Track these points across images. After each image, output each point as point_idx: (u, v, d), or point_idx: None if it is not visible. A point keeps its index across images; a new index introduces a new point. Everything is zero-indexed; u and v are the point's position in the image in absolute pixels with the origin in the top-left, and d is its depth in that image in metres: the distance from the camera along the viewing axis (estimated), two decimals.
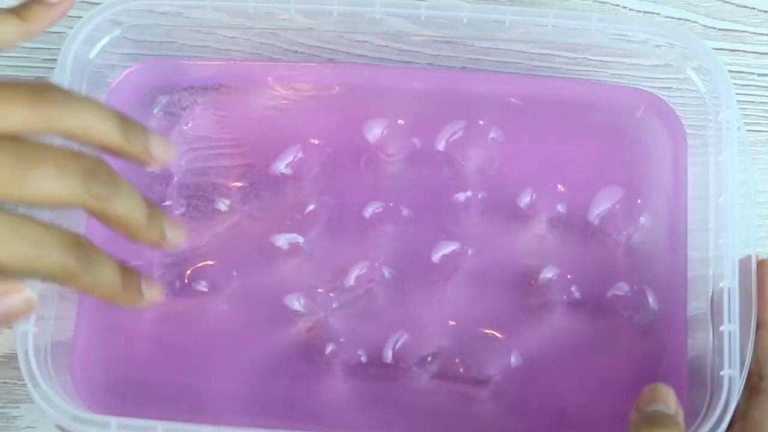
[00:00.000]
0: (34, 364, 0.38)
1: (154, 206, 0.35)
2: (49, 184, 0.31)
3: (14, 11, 0.37)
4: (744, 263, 0.40)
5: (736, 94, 0.44)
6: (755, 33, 0.48)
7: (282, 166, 0.45)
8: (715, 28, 0.48)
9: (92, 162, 0.33)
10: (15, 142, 0.31)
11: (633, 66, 0.46)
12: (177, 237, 0.36)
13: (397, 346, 0.42)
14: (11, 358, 0.42)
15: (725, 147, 0.41)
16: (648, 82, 0.46)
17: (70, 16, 0.42)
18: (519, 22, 0.43)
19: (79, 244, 0.32)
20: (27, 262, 0.31)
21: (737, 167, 0.41)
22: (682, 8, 0.48)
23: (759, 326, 0.39)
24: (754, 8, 0.49)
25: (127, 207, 0.34)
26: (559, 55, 0.47)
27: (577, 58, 0.46)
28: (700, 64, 0.42)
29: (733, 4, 0.49)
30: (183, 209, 0.44)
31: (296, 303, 0.43)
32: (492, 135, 0.45)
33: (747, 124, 0.46)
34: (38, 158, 0.31)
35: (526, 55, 0.47)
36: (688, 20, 0.48)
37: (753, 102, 0.47)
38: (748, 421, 0.37)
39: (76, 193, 0.32)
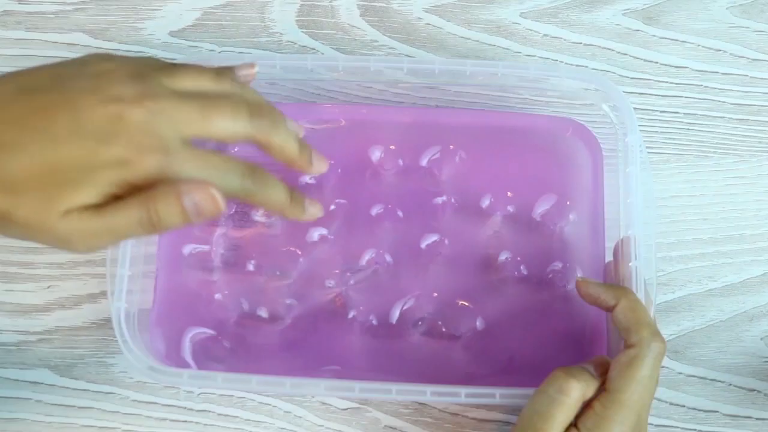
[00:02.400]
0: (124, 326, 0.44)
1: (294, 191, 0.41)
2: (226, 123, 0.37)
3: (214, 70, 0.40)
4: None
5: (644, 125, 0.52)
6: (658, 81, 0.54)
7: (307, 178, 0.49)
8: (628, 77, 0.54)
9: (256, 105, 0.39)
10: (200, 95, 0.37)
11: (565, 103, 0.51)
12: (317, 212, 0.42)
13: (405, 308, 0.47)
14: (108, 321, 0.46)
15: (630, 162, 0.46)
16: (576, 115, 0.51)
17: None
18: (477, 72, 0.47)
19: (254, 170, 0.38)
20: (217, 184, 0.36)
21: (640, 177, 0.45)
22: (604, 62, 0.54)
23: (611, 309, 0.42)
24: (657, 62, 0.54)
25: (283, 138, 0.40)
26: (510, 95, 0.52)
27: (523, 97, 0.52)
28: (614, 102, 0.47)
29: (641, 59, 0.54)
30: (231, 212, 0.48)
31: (328, 283, 0.48)
32: (460, 155, 0.50)
33: (652, 148, 0.52)
34: (217, 105, 0.37)
35: (485, 95, 0.52)
36: (609, 71, 0.54)
37: (656, 131, 0.53)
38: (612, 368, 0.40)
39: (246, 128, 0.38)
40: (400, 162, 0.50)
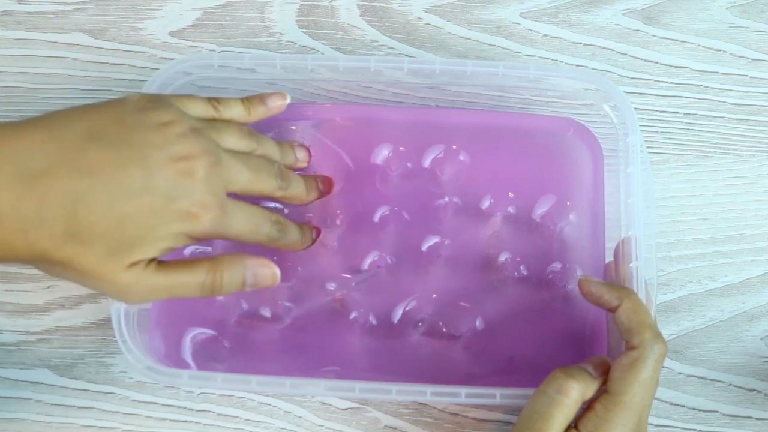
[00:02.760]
0: (123, 326, 0.44)
1: (305, 228, 0.47)
2: (266, 184, 0.43)
3: (243, 100, 0.45)
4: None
5: (644, 125, 0.52)
6: (658, 81, 0.54)
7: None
8: (628, 77, 0.54)
9: (279, 168, 0.44)
10: (245, 155, 0.42)
11: (566, 103, 0.51)
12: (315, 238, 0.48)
13: (406, 309, 0.47)
14: (108, 321, 0.47)
15: (631, 162, 0.46)
16: (576, 115, 0.51)
17: (150, 68, 0.52)
18: (477, 72, 0.47)
19: (279, 220, 0.44)
20: (252, 234, 0.42)
21: (640, 177, 0.45)
22: (604, 62, 0.54)
23: (613, 309, 0.42)
24: (657, 62, 0.54)
25: (295, 189, 0.45)
26: (510, 96, 0.52)
27: (524, 97, 0.52)
28: (614, 102, 0.47)
29: (641, 59, 0.54)
30: None
31: (330, 285, 0.48)
32: (461, 156, 0.50)
33: (652, 147, 0.52)
34: (260, 168, 0.42)
35: (485, 96, 0.53)
36: (609, 71, 0.54)
37: (656, 131, 0.53)
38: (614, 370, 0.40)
39: (274, 188, 0.43)
40: (403, 164, 0.50)
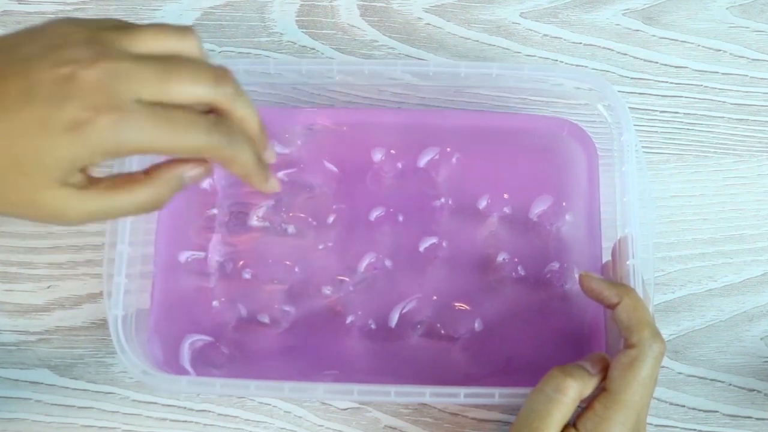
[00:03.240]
0: (120, 328, 0.43)
1: (261, 157, 0.38)
2: (187, 87, 0.35)
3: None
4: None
5: (644, 125, 0.52)
6: (657, 81, 0.54)
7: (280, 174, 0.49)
8: (628, 77, 0.54)
9: (221, 71, 0.36)
10: (161, 57, 0.35)
11: (560, 103, 0.51)
12: (276, 185, 0.40)
13: (404, 311, 0.48)
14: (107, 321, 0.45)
15: (626, 161, 0.46)
16: (571, 115, 0.51)
17: None
18: (471, 73, 0.47)
19: (221, 122, 0.36)
20: (179, 140, 0.34)
21: (636, 175, 0.45)
22: (604, 62, 0.54)
23: (613, 306, 0.42)
24: (656, 62, 0.54)
25: (247, 110, 0.37)
26: (504, 96, 0.52)
27: (519, 97, 0.52)
28: (609, 102, 0.47)
29: (641, 59, 0.54)
30: (226, 219, 0.48)
31: (326, 289, 0.48)
32: (456, 157, 0.50)
33: (652, 148, 0.53)
34: (178, 67, 0.35)
35: (480, 96, 0.52)
36: (608, 71, 0.54)
37: (656, 132, 0.53)
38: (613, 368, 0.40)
39: (209, 93, 0.35)
40: (398, 164, 0.51)
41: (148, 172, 0.37)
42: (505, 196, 0.50)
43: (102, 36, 0.35)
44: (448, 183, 0.50)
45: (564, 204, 0.50)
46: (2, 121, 0.33)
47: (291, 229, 0.49)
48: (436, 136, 0.51)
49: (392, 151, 0.50)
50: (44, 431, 0.49)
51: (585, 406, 0.41)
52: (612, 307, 0.42)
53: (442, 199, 0.50)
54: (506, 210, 0.50)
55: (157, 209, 0.37)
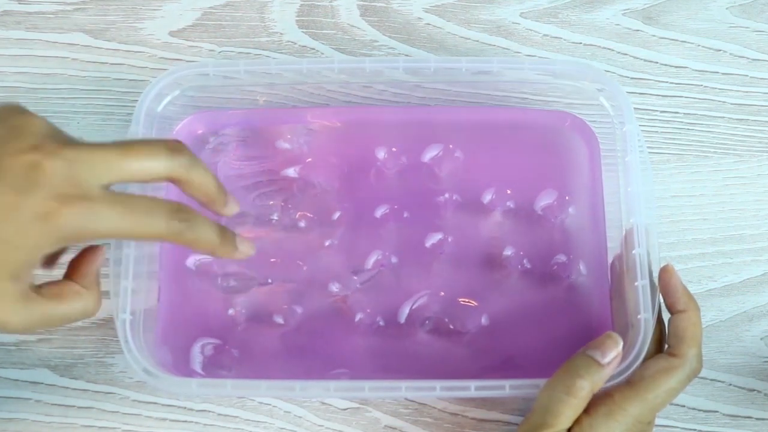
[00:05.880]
0: (128, 328, 0.43)
1: (224, 229, 0.40)
2: (144, 163, 0.36)
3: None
4: (629, 234, 0.44)
5: (644, 125, 0.52)
6: (658, 81, 0.54)
7: (292, 171, 0.50)
8: (628, 77, 0.54)
9: (174, 144, 0.37)
10: (117, 142, 0.36)
11: (561, 96, 0.51)
12: (248, 250, 0.41)
13: (413, 308, 0.48)
14: (108, 321, 0.48)
15: (629, 150, 0.46)
16: (574, 109, 0.51)
17: (150, 68, 0.52)
18: (472, 68, 0.48)
19: (180, 208, 0.37)
20: (141, 227, 0.35)
21: (639, 164, 0.46)
22: (604, 62, 0.54)
23: (676, 311, 0.42)
24: (656, 62, 0.55)
25: (202, 174, 0.38)
26: (505, 91, 0.52)
27: (520, 92, 0.52)
28: (610, 93, 0.48)
29: (641, 59, 0.55)
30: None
31: (334, 286, 0.48)
32: (459, 152, 0.50)
33: (652, 148, 0.52)
34: (134, 146, 0.36)
35: (482, 93, 0.53)
36: (609, 71, 0.54)
37: (657, 131, 0.53)
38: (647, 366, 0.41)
39: (165, 167, 0.37)
40: (402, 161, 0.51)
41: (81, 276, 0.39)
42: (509, 190, 0.50)
43: (60, 130, 0.36)
44: (452, 178, 0.50)
45: (567, 197, 0.50)
46: None
47: (297, 228, 0.50)
48: (439, 132, 0.51)
49: (394, 149, 0.50)
50: (44, 431, 0.49)
51: (603, 393, 0.41)
52: (674, 311, 0.43)
53: (446, 195, 0.50)
54: (510, 204, 0.50)
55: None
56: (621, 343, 0.41)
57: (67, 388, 0.50)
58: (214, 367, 0.47)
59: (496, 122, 0.51)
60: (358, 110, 0.52)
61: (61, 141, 0.35)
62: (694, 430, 0.50)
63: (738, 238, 0.52)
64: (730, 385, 0.50)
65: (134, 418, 0.49)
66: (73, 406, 0.49)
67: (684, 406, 0.50)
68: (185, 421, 0.49)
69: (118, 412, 0.49)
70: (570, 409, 0.40)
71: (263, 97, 0.51)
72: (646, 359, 0.42)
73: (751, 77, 0.55)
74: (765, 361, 0.51)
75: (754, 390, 0.50)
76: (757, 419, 0.50)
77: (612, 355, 0.41)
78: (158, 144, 0.37)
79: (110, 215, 0.35)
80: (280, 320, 0.48)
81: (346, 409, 0.49)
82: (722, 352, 0.51)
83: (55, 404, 0.49)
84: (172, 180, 0.38)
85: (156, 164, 0.36)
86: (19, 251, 0.34)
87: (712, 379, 0.50)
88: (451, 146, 0.51)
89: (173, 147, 0.37)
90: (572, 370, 0.40)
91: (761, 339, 0.51)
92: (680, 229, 0.52)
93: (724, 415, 0.50)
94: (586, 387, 0.40)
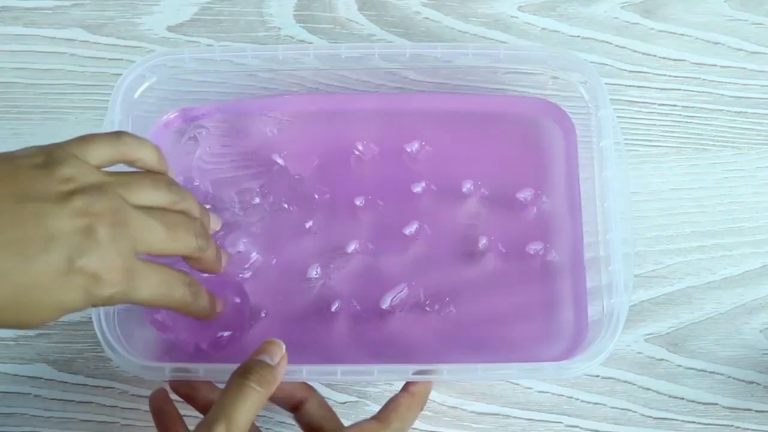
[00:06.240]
0: (104, 324, 0.44)
1: (213, 298, 0.43)
2: (184, 243, 0.39)
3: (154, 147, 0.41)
4: None
5: (642, 118, 0.53)
6: (656, 74, 0.54)
7: (280, 161, 0.50)
8: (626, 70, 0.54)
9: (199, 225, 0.40)
10: (160, 212, 0.38)
11: (538, 82, 0.52)
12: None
13: (396, 297, 0.48)
14: (107, 316, 0.45)
15: (605, 135, 0.46)
16: (550, 97, 0.51)
17: (115, 75, 0.51)
18: (448, 55, 0.48)
19: (192, 282, 0.40)
20: (163, 298, 0.39)
21: (613, 149, 0.46)
22: (603, 56, 0.54)
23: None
24: (655, 56, 0.55)
25: (212, 250, 0.42)
26: (482, 78, 0.52)
27: (497, 78, 0.52)
28: (585, 78, 0.48)
29: (640, 52, 0.55)
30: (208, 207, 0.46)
31: (312, 272, 0.49)
32: (435, 140, 0.51)
33: (650, 141, 0.53)
34: (177, 226, 0.39)
35: (458, 79, 0.52)
36: (607, 64, 0.54)
37: (655, 124, 0.53)
38: None
39: (192, 247, 0.40)
40: (376, 151, 0.51)
41: None
42: (484, 177, 0.50)
43: (105, 184, 0.36)
44: (427, 166, 0.51)
45: (543, 182, 0.50)
46: (21, 270, 0.33)
47: (275, 215, 0.50)
48: (414, 120, 0.51)
49: (370, 136, 0.51)
50: (43, 426, 0.49)
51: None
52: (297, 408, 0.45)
53: (423, 183, 0.50)
54: (485, 191, 0.50)
55: None
56: (284, 346, 0.41)
57: (66, 382, 0.50)
58: (194, 350, 0.47)
59: (471, 109, 0.52)
60: (334, 98, 0.53)
61: (111, 205, 0.36)
62: (694, 422, 0.50)
63: (737, 230, 0.52)
64: (730, 377, 0.50)
65: (133, 413, 0.49)
66: (72, 401, 0.49)
67: (683, 398, 0.50)
68: (183, 416, 0.49)
69: (116, 406, 0.49)
70: (245, 410, 0.39)
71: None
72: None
73: (749, 70, 0.55)
74: (764, 354, 0.51)
75: (754, 382, 0.50)
76: (757, 411, 0.50)
77: (279, 355, 0.41)
78: (191, 226, 0.40)
79: (146, 286, 0.37)
80: (256, 310, 0.48)
81: (344, 402, 0.49)
82: (722, 345, 0.51)
83: (54, 399, 0.49)
84: (191, 256, 0.41)
85: (190, 245, 0.40)
86: (57, 308, 0.35)
87: (711, 372, 0.50)
88: (426, 133, 0.51)
89: (199, 231, 0.41)
90: (245, 372, 0.40)
91: (761, 331, 0.51)
92: (679, 222, 0.52)
93: (723, 407, 0.50)
94: (256, 385, 0.39)
